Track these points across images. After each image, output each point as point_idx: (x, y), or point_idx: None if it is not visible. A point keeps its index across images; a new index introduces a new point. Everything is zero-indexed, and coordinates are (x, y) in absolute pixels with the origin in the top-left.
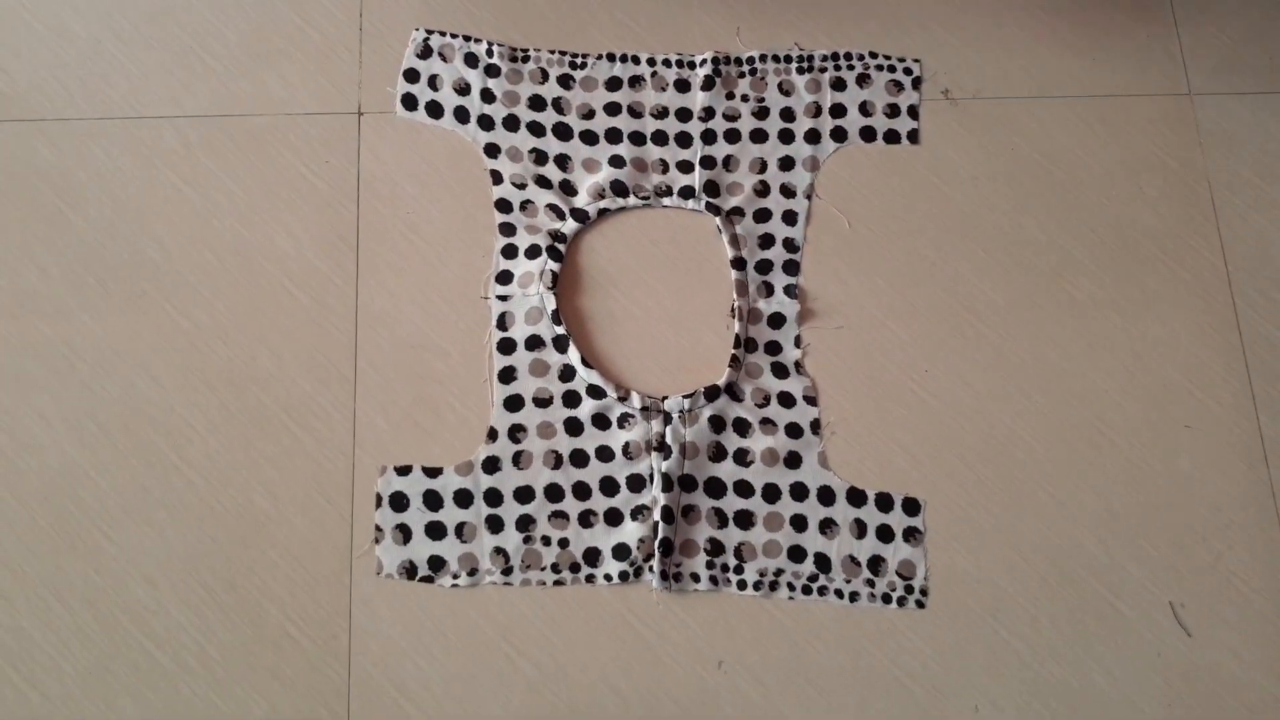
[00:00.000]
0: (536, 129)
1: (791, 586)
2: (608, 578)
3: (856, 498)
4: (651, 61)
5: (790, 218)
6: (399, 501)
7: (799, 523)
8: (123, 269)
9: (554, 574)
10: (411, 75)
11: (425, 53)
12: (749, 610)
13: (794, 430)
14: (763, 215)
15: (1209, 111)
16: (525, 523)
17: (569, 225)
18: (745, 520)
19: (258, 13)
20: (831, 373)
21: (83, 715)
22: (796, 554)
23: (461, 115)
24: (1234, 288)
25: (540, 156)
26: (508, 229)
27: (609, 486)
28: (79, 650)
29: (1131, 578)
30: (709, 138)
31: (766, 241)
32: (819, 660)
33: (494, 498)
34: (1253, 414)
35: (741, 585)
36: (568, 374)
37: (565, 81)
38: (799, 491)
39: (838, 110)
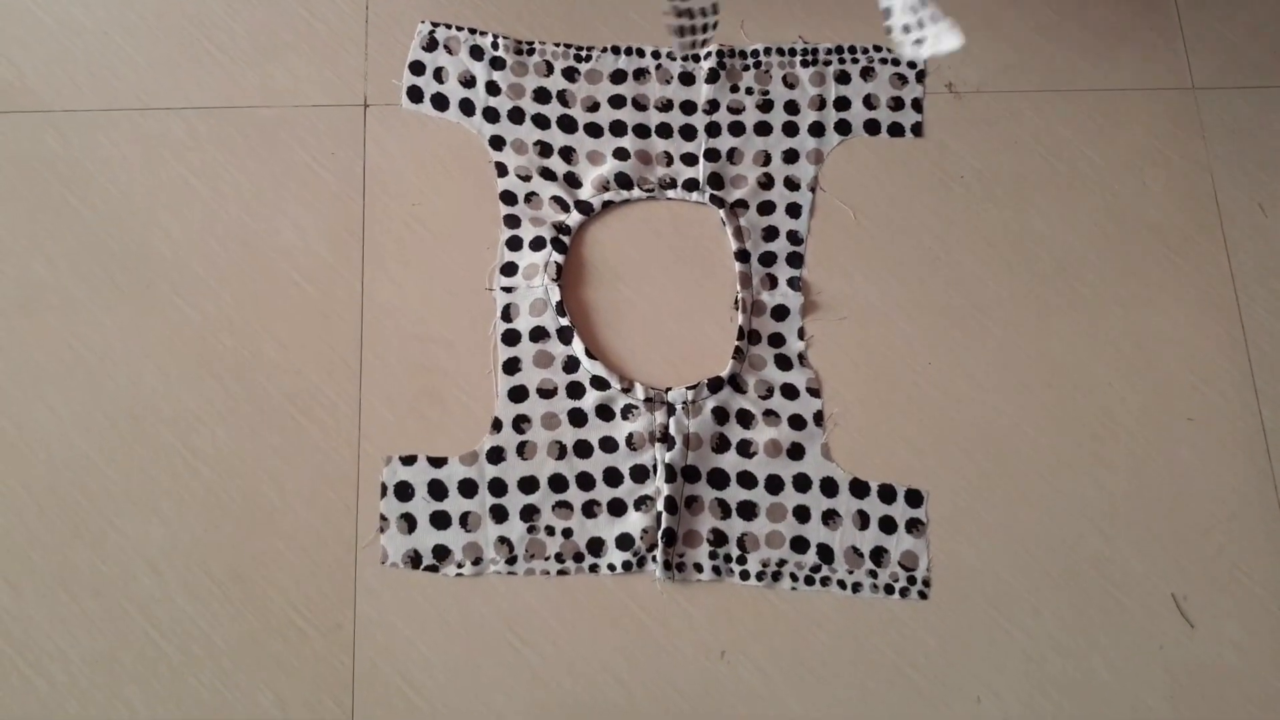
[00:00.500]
0: (541, 121)
1: (794, 577)
2: (611, 567)
3: (859, 489)
4: (656, 54)
5: (794, 210)
6: (404, 491)
7: (802, 514)
8: (130, 260)
9: (558, 564)
10: (417, 68)
11: (431, 45)
12: (752, 600)
13: (797, 422)
14: (767, 208)
15: (1212, 106)
16: (529, 513)
17: (573, 217)
18: (748, 511)
19: (264, 5)
20: (835, 365)
21: (89, 703)
22: (799, 545)
23: (467, 107)
24: (1236, 281)
25: (545, 149)
26: (513, 221)
27: (613, 477)
28: (86, 639)
29: (1134, 569)
30: (713, 130)
31: (770, 234)
32: (821, 650)
33: (498, 488)
34: (1255, 407)
35: (744, 575)
36: (572, 365)
37: (570, 74)
38: (802, 483)
39: (842, 103)
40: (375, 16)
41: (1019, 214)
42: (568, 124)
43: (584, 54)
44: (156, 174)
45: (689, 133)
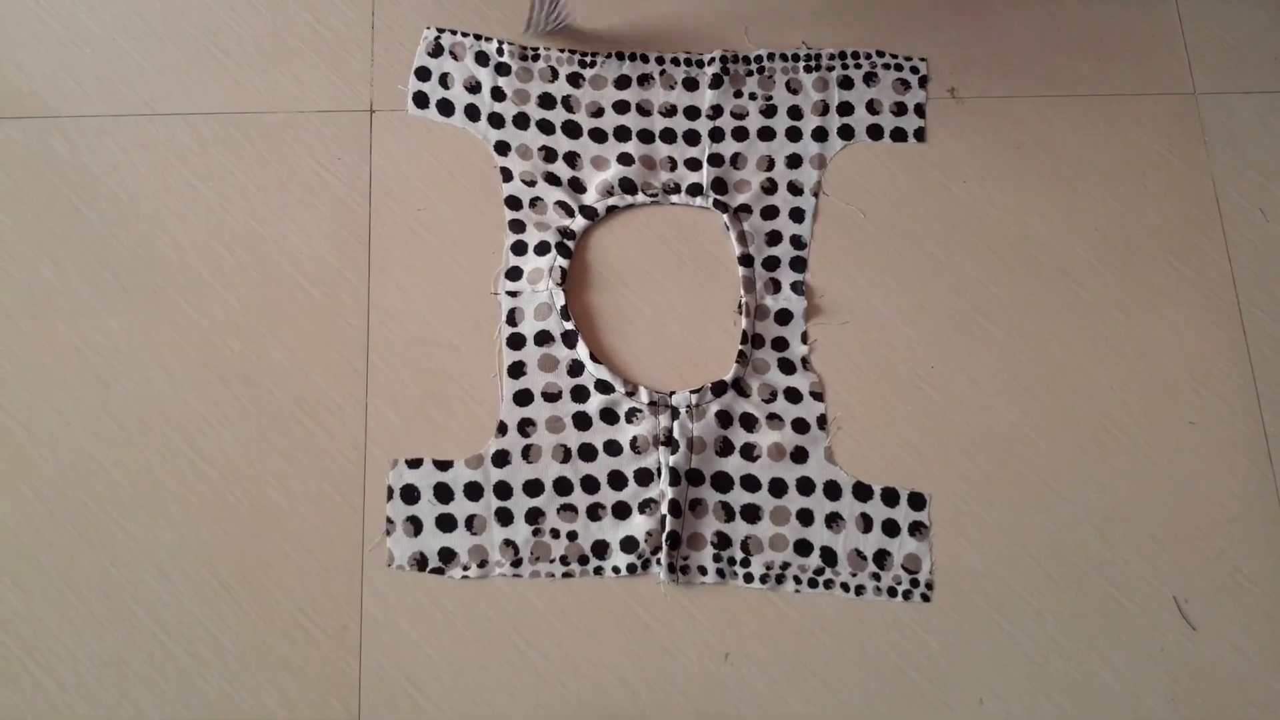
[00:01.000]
0: (546, 127)
1: (798, 580)
2: (616, 570)
3: (862, 492)
4: (660, 60)
5: (797, 215)
6: (410, 494)
7: (805, 517)
8: (137, 264)
9: (563, 566)
10: (423, 73)
11: (436, 51)
12: (755, 603)
13: (800, 425)
14: (770, 212)
15: (1214, 110)
16: (534, 515)
17: (578, 222)
18: (752, 514)
19: (271, 12)
20: (838, 368)
21: (97, 704)
22: (803, 548)
23: (472, 113)
24: (1238, 285)
25: (550, 154)
26: (517, 225)
27: (617, 480)
28: (94, 640)
29: (1135, 572)
30: (717, 135)
31: (774, 238)
32: (825, 653)
33: (503, 491)
34: (1256, 410)
35: (748, 578)
36: (576, 369)
37: (575, 80)
38: (805, 486)
39: (845, 108)
40: (381, 22)
41: (1021, 218)
42: (572, 129)
43: (588, 60)
44: (163, 179)
45: (693, 138)
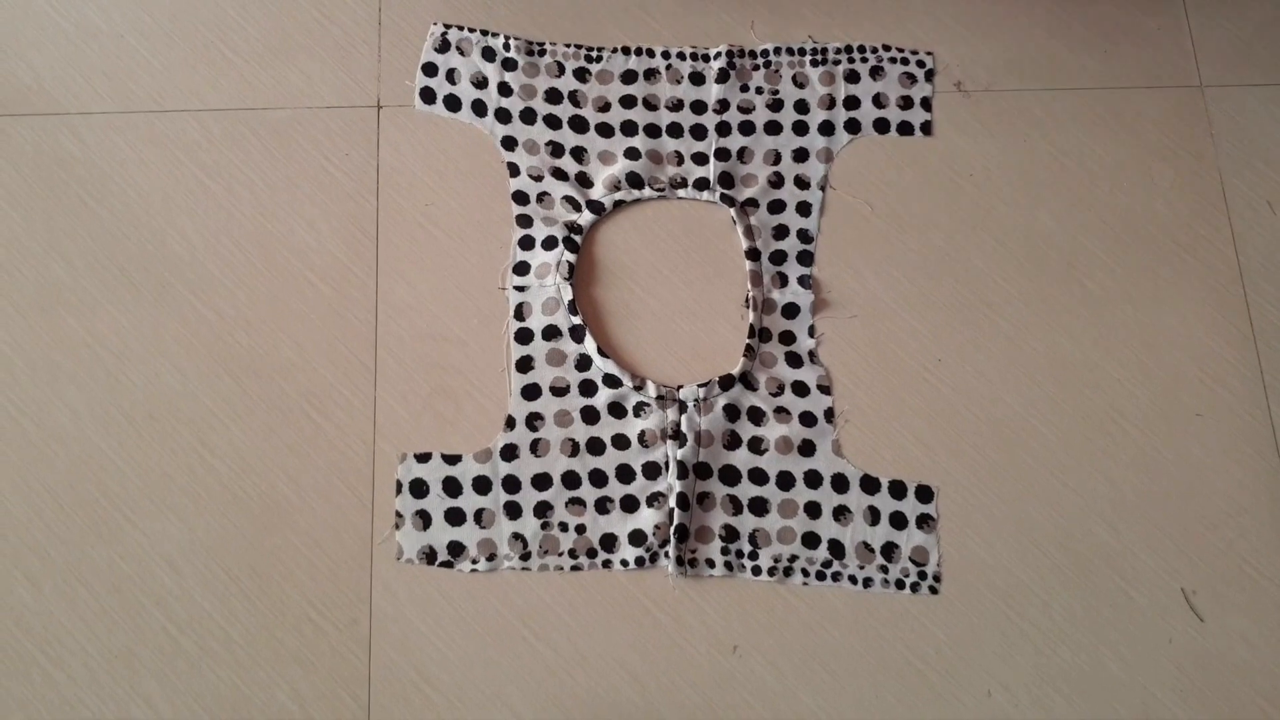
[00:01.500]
0: (553, 122)
1: (805, 572)
2: (624, 563)
3: (870, 485)
4: (666, 55)
5: (804, 209)
6: (419, 488)
7: (813, 509)
8: (146, 260)
9: (571, 559)
10: (430, 69)
11: (443, 47)
12: (763, 595)
13: (808, 419)
14: (777, 206)
15: (1220, 104)
16: (543, 509)
17: (585, 217)
18: (760, 507)
19: (278, 8)
20: (845, 362)
21: (108, 698)
22: (810, 540)
23: (479, 108)
24: (1245, 278)
25: (557, 149)
26: (525, 220)
27: (625, 474)
28: (104, 634)
29: (1143, 564)
30: (723, 130)
31: (781, 232)
32: (833, 645)
33: (512, 484)
34: (1264, 402)
35: (756, 571)
36: (584, 363)
37: (581, 75)
38: (813, 479)
39: (851, 102)
40: (388, 19)
41: (1028, 211)
42: (579, 124)
43: (595, 55)
44: (172, 175)
45: (699, 132)
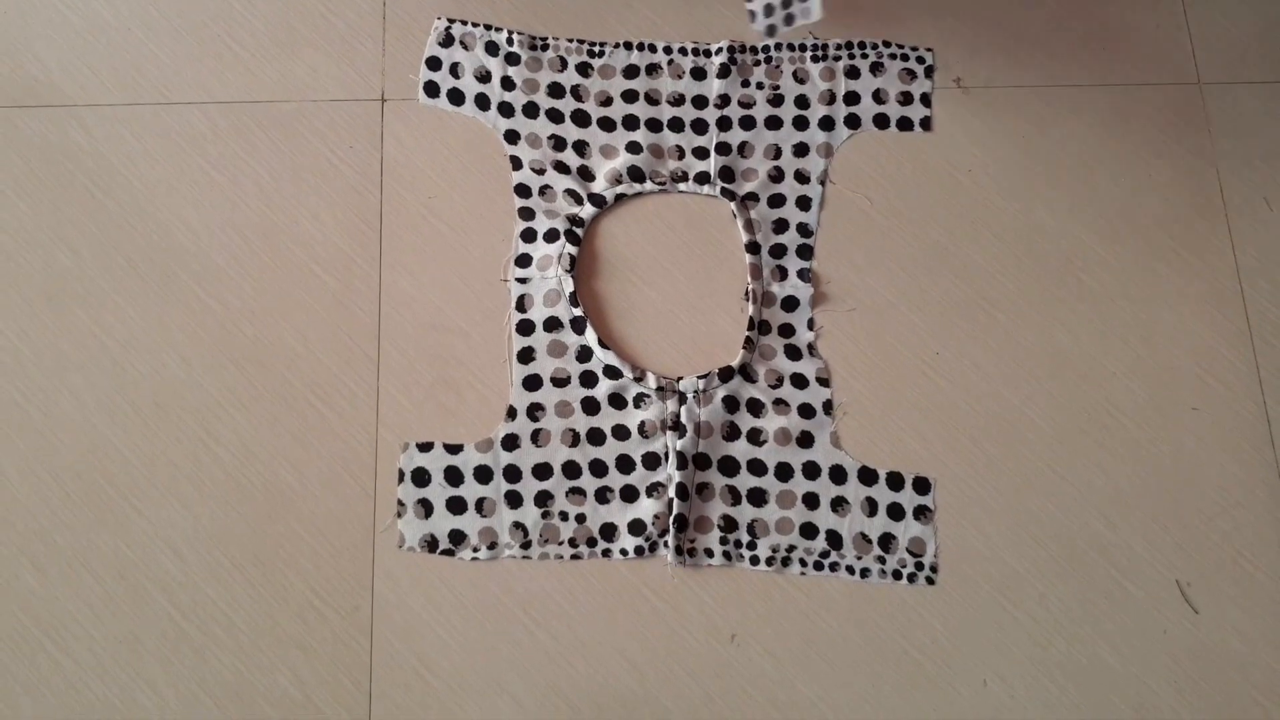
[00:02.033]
0: (555, 115)
1: (803, 562)
2: (624, 552)
3: (868, 476)
4: (668, 50)
5: (804, 203)
6: (421, 477)
7: (811, 500)
8: (152, 251)
9: (571, 548)
10: (434, 63)
11: (447, 41)
12: (761, 585)
13: (807, 411)
14: (777, 200)
15: (1218, 101)
16: (543, 498)
17: (587, 210)
18: (758, 498)
19: (284, 2)
20: (844, 355)
21: (113, 683)
22: (808, 531)
23: (482, 102)
24: (1241, 273)
25: (559, 142)
26: (527, 213)
27: (625, 464)
28: (110, 620)
29: (1139, 556)
30: (724, 124)
31: (781, 226)
32: (830, 635)
33: (513, 474)
34: (1259, 397)
35: (754, 561)
36: (585, 355)
37: (584, 69)
38: (811, 470)
39: (852, 98)
40: (392, 13)
41: (1026, 207)
42: (581, 118)
43: (597, 49)
44: (178, 167)
45: (700, 127)
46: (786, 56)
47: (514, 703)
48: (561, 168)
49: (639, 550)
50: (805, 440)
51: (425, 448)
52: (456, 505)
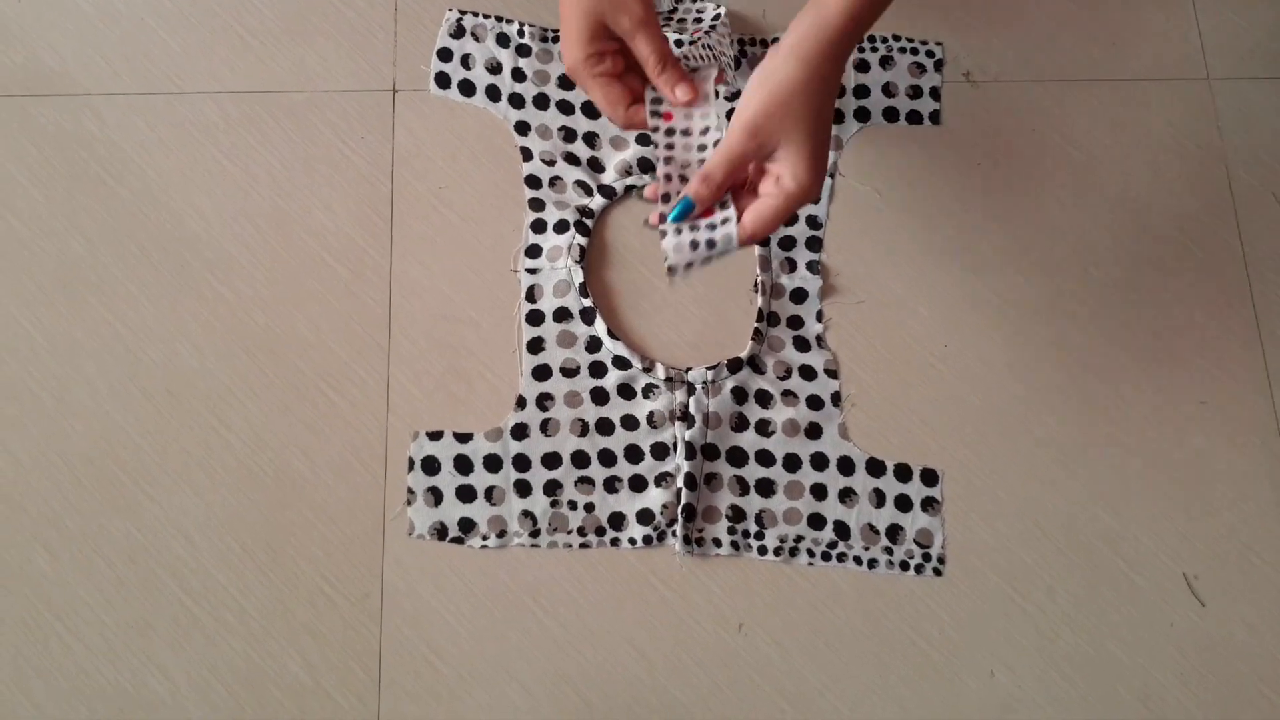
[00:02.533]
0: (566, 107)
1: (811, 553)
2: (632, 541)
3: (876, 468)
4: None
5: None
6: (430, 465)
7: (819, 491)
8: (165, 239)
9: (580, 537)
10: (445, 54)
11: (458, 32)
12: (769, 575)
13: (815, 402)
14: None
15: (1227, 97)
16: (552, 487)
17: (597, 201)
18: (766, 488)
19: None
20: (853, 347)
21: (124, 667)
22: (816, 521)
23: (493, 93)
24: (1249, 268)
25: (569, 134)
26: (537, 204)
27: (634, 454)
28: (121, 604)
29: (1146, 549)
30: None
31: (789, 218)
32: (837, 624)
33: (522, 463)
34: (1267, 390)
35: (762, 551)
36: (594, 345)
37: None
38: (819, 461)
39: (861, 91)
40: (404, 4)
41: (1035, 201)
42: (591, 110)
43: None
44: (191, 156)
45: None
46: None
47: (522, 689)
48: (572, 159)
49: (647, 539)
50: (813, 431)
51: (435, 436)
52: (466, 493)
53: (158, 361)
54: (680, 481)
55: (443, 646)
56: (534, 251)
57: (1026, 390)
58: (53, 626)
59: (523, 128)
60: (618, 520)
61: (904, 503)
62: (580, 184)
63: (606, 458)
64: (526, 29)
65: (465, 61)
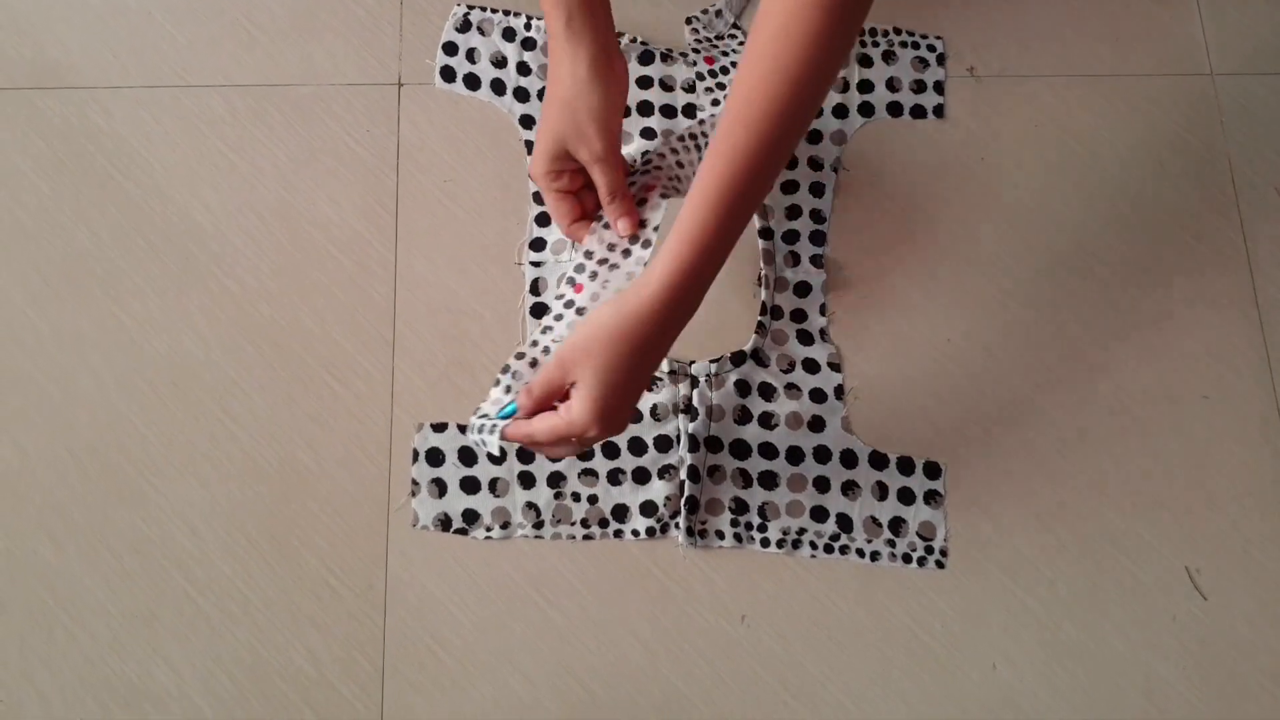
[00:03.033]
0: None
1: (814, 545)
2: (635, 533)
3: (879, 461)
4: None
5: (817, 189)
6: (435, 457)
7: (822, 484)
8: (172, 232)
9: (583, 529)
10: (450, 48)
11: (464, 27)
12: (772, 567)
13: (818, 395)
14: (790, 187)
15: (1230, 92)
16: (556, 479)
17: None
18: (769, 481)
19: None
20: (856, 340)
21: (129, 657)
22: (819, 514)
23: (498, 87)
24: (1252, 262)
25: None
26: (541, 198)
27: (637, 446)
28: (126, 595)
29: (1148, 543)
30: None
31: (794, 212)
32: (840, 617)
33: (526, 455)
34: (1269, 385)
35: (765, 543)
36: None
37: None
38: (822, 454)
39: (865, 86)
40: None
41: (1038, 195)
42: None
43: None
44: (197, 149)
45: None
46: None
47: (525, 680)
48: None
49: (650, 531)
50: (817, 424)
51: (439, 428)
52: (470, 485)
53: (163, 353)
54: (684, 474)
55: (446, 637)
56: (538, 245)
57: (1029, 384)
58: (58, 617)
59: (528, 121)
60: (621, 512)
61: (907, 496)
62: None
63: (610, 450)
64: (533, 23)
65: (470, 55)
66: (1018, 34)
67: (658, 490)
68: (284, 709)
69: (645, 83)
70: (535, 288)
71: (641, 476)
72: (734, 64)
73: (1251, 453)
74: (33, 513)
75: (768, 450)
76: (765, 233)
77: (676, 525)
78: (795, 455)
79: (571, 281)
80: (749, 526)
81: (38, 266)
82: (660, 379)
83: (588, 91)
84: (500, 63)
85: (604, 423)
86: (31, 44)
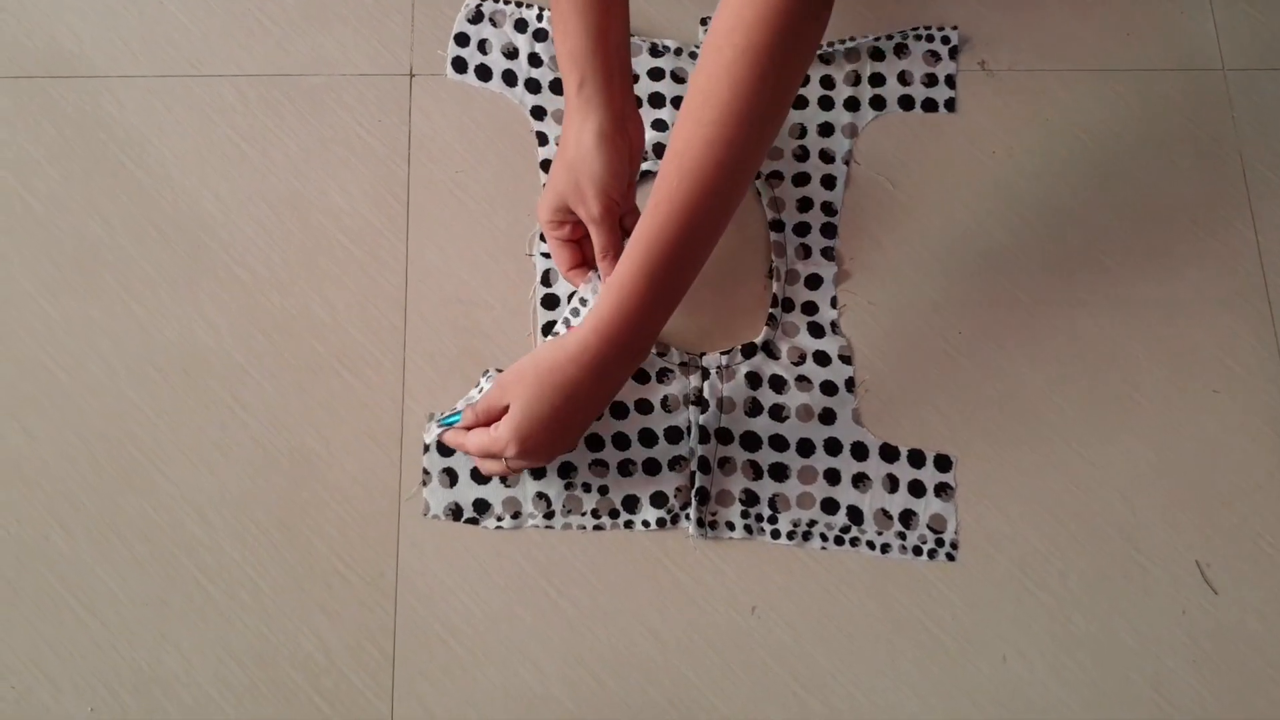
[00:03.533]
0: None
1: (824, 537)
2: (645, 524)
3: (889, 453)
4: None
5: (829, 182)
6: (445, 447)
7: (832, 476)
8: (183, 221)
9: (594, 519)
10: (462, 39)
11: (476, 18)
12: (782, 558)
13: (829, 388)
14: (801, 179)
15: (1242, 87)
16: (567, 470)
17: None
18: (780, 473)
19: None
20: (867, 333)
21: (139, 644)
22: (829, 506)
23: (509, 78)
24: (1263, 257)
25: None
26: None
27: (647, 438)
28: (136, 582)
29: (1158, 536)
30: None
31: (805, 205)
32: (850, 608)
33: None
34: (1279, 380)
35: (775, 534)
36: None
37: None
38: (833, 446)
39: (876, 79)
40: None
41: (1050, 189)
42: None
43: None
44: (208, 139)
45: None
46: None
47: (535, 669)
48: None
49: (661, 522)
50: (827, 417)
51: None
52: (481, 475)
53: (174, 341)
54: (694, 465)
55: (457, 626)
56: None
57: (1040, 377)
58: (68, 603)
59: (539, 112)
60: (632, 503)
61: (917, 488)
62: None
63: (620, 441)
64: (545, 14)
65: (482, 46)
66: (1029, 28)
67: (668, 481)
68: (294, 696)
69: (657, 74)
70: (546, 279)
71: (652, 468)
72: None
73: (1262, 447)
74: (43, 500)
75: (778, 442)
76: (776, 225)
77: (687, 516)
78: (806, 448)
79: (567, 322)
80: (759, 518)
81: (49, 254)
82: (671, 371)
83: (591, 159)
84: (512, 54)
85: (522, 447)
86: (43, 33)
